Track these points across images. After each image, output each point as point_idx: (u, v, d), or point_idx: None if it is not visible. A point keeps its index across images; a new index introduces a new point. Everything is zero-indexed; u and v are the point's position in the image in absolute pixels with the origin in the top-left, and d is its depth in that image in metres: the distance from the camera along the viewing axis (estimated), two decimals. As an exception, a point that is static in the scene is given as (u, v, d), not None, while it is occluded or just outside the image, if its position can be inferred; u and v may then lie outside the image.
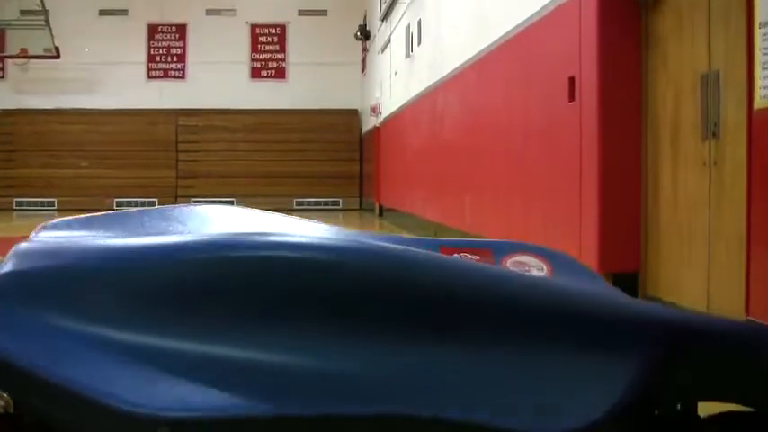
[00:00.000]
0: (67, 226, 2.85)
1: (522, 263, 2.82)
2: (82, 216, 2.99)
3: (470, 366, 2.20)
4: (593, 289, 2.64)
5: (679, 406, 2.37)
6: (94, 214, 3.06)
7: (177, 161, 23.92)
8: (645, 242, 6.16)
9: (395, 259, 2.36)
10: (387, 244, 2.65)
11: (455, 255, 2.79)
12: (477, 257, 2.80)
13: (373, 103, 20.98)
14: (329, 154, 23.95)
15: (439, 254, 2.69)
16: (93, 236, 2.73)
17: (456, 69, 11.30)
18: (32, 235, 2.70)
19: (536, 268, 2.81)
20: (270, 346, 2.19)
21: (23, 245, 2.45)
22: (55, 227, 2.81)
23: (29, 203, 23.00)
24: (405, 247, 2.61)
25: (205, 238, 2.56)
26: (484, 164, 9.70)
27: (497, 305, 2.27)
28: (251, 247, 2.34)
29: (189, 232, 2.84)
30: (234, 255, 2.30)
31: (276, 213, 3.22)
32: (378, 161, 20.24)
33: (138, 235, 2.71)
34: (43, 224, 2.83)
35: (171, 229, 2.88)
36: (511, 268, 2.77)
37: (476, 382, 2.18)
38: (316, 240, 2.56)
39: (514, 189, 8.33)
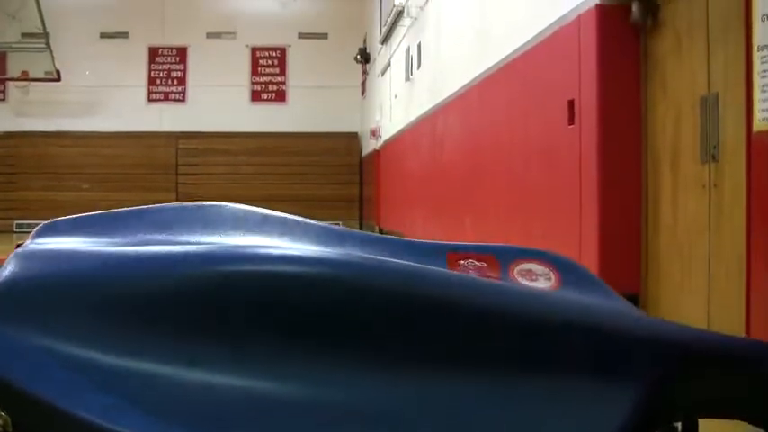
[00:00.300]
0: (70, 226, 2.80)
1: (529, 271, 2.76)
2: (85, 216, 2.93)
3: (470, 394, 2.18)
4: (595, 303, 2.60)
5: (680, 424, 2.36)
6: (99, 213, 2.98)
7: (177, 184, 23.95)
8: (645, 264, 6.14)
9: (392, 276, 2.32)
10: (385, 259, 2.58)
11: (461, 261, 2.75)
12: (484, 264, 2.75)
13: (373, 126, 21.01)
14: (329, 177, 23.99)
15: (436, 269, 2.59)
16: (93, 242, 2.66)
17: (456, 92, 11.32)
18: (33, 236, 2.68)
19: (543, 277, 2.74)
20: (253, 373, 2.14)
21: (21, 253, 2.42)
22: (56, 229, 2.77)
23: (30, 226, 22.96)
24: (405, 262, 2.56)
25: (190, 250, 2.50)
26: (484, 186, 9.70)
27: (496, 325, 2.25)
28: (233, 261, 2.30)
29: (195, 234, 2.78)
30: (215, 271, 2.26)
31: (281, 213, 3.09)
32: (378, 184, 20.24)
33: (139, 241, 2.66)
34: (46, 223, 2.77)
35: (174, 231, 2.80)
36: (517, 277, 2.72)
37: (473, 409, 2.16)
38: (306, 254, 2.49)
39: (514, 211, 8.33)
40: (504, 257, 2.81)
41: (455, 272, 2.70)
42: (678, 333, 2.36)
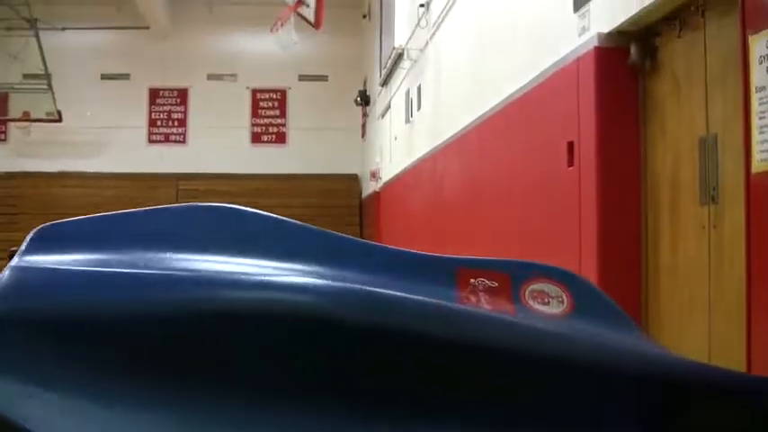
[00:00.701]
0: (67, 232, 2.69)
1: (541, 292, 2.68)
2: (83, 220, 2.76)
3: None
4: (599, 341, 2.57)
5: None
6: (98, 217, 2.82)
7: (178, 225, 23.94)
8: (644, 305, 6.12)
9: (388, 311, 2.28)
10: (384, 292, 2.49)
11: (472, 279, 2.65)
12: (496, 284, 2.65)
13: (373, 168, 21.05)
14: (330, 218, 23.96)
15: (437, 306, 2.50)
16: (88, 261, 2.53)
17: (456, 134, 11.35)
18: (27, 243, 2.60)
19: (556, 299, 2.66)
20: (235, 420, 2.12)
21: (14, 273, 2.38)
22: (52, 237, 2.66)
23: (28, 266, 22.92)
24: (405, 295, 2.48)
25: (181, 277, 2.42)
26: (484, 226, 9.69)
27: (499, 366, 2.25)
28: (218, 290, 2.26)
29: (192, 250, 2.65)
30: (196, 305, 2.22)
31: (291, 221, 2.92)
32: (378, 225, 20.25)
33: (135, 262, 2.53)
34: (41, 230, 2.65)
35: (172, 244, 2.65)
36: (529, 300, 2.65)
37: None
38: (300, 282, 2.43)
39: (514, 251, 8.31)
40: (517, 275, 2.71)
41: (457, 306, 2.60)
42: (680, 367, 2.36)
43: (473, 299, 2.58)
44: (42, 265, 2.48)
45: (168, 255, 2.59)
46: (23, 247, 2.60)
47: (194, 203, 3.03)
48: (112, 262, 2.49)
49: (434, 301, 2.43)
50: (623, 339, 2.60)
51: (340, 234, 2.84)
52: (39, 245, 2.63)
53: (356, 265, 2.63)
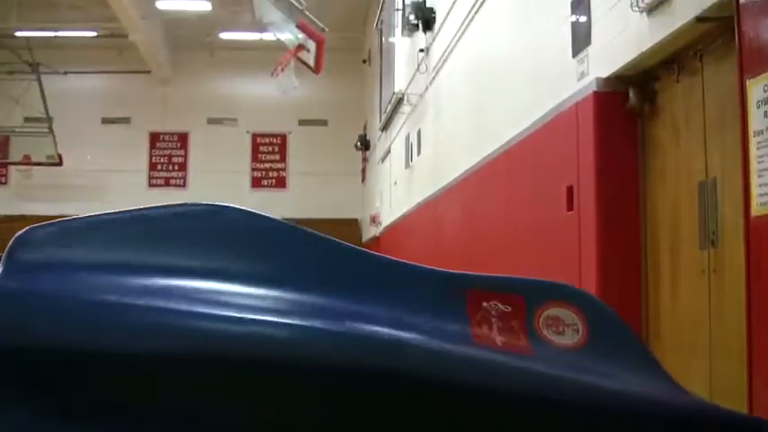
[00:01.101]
0: (54, 241, 2.45)
1: (556, 319, 2.56)
2: (71, 226, 2.55)
3: None
4: (614, 374, 2.52)
5: None
6: (88, 222, 2.61)
7: (178, 269, 23.92)
8: (645, 351, 6.08)
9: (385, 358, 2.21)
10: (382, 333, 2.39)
11: (484, 303, 2.51)
12: (509, 308, 2.52)
13: (373, 212, 21.07)
14: (329, 263, 23.95)
15: (438, 350, 2.41)
16: (78, 285, 2.32)
17: (455, 179, 11.37)
18: (7, 253, 2.36)
19: (570, 328, 2.55)
20: None
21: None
22: (37, 246, 2.40)
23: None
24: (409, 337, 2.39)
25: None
26: (484, 271, 9.65)
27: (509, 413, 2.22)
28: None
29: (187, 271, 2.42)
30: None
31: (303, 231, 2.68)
32: (377, 270, 20.19)
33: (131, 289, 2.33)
34: (23, 236, 2.39)
35: (168, 255, 2.45)
36: (543, 328, 2.54)
37: None
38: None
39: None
40: (532, 298, 2.56)
41: (461, 352, 2.46)
42: (682, 405, 2.34)
43: (485, 328, 2.47)
44: (11, 287, 2.27)
45: (149, 261, 2.42)
46: (4, 256, 2.37)
47: (186, 208, 2.76)
48: (92, 275, 2.34)
49: (435, 345, 2.36)
50: (633, 379, 2.55)
51: (347, 244, 2.66)
52: (20, 253, 2.37)
53: (361, 282, 2.51)
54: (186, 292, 2.28)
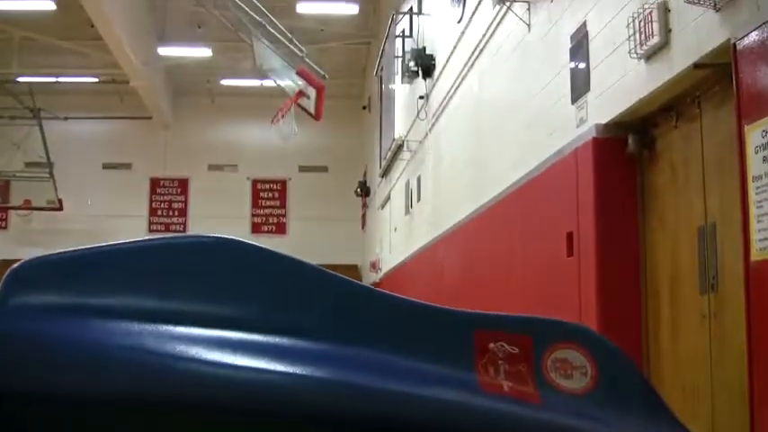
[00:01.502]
0: (48, 281, 2.37)
1: (564, 361, 2.47)
2: (64, 264, 2.46)
3: None
4: (616, 422, 2.44)
5: None
6: (82, 258, 2.50)
7: (177, 314, 23.87)
8: (646, 396, 6.05)
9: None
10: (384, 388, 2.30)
11: (491, 344, 2.43)
12: (516, 350, 2.43)
13: (373, 258, 21.06)
14: (329, 309, 23.90)
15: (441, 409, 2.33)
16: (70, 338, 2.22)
17: (455, 225, 11.38)
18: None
19: (579, 371, 2.47)
20: None
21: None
22: (30, 286, 2.31)
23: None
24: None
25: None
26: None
27: None
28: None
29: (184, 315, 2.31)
30: None
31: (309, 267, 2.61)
32: (376, 316, 20.15)
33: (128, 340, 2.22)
34: (16, 273, 2.29)
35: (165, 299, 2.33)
36: (551, 372, 2.46)
37: None
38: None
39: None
40: (540, 339, 2.48)
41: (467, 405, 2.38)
42: None
43: (491, 371, 2.40)
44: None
45: (142, 305, 2.30)
46: None
47: (181, 241, 2.60)
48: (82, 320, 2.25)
49: (441, 393, 2.30)
50: (641, 426, 2.49)
51: (350, 280, 2.55)
52: (14, 290, 2.28)
53: (365, 321, 2.42)
54: (187, 338, 2.22)
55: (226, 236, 2.43)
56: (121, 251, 2.50)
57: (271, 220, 25.50)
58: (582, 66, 6.66)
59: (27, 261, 2.37)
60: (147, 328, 2.21)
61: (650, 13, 5.43)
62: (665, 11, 5.34)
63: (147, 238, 2.49)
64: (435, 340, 2.42)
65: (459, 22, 11.57)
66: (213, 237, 2.46)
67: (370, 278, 21.67)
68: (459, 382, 2.35)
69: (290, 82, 14.03)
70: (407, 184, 16.15)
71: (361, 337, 2.36)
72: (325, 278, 2.53)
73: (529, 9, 8.25)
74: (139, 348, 2.15)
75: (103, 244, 2.52)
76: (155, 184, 25.45)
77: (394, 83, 17.28)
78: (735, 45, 4.59)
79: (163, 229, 24.91)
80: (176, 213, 25.19)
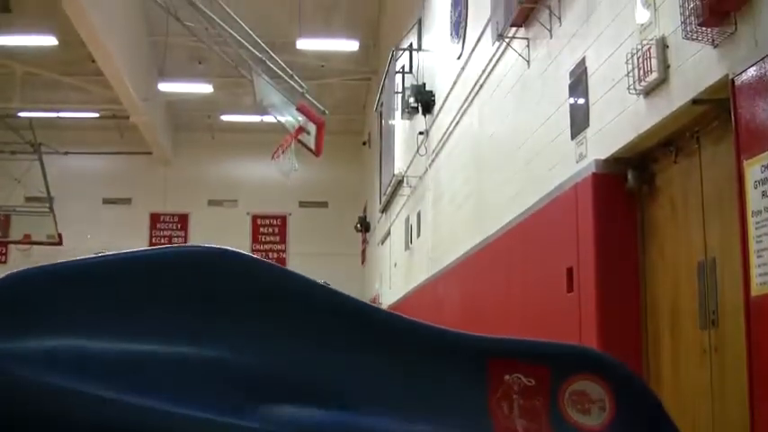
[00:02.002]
0: (39, 310, 2.16)
1: (581, 394, 2.33)
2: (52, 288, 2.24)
3: None
4: None
5: None
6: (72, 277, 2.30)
7: (175, 350, 23.79)
8: None
9: None
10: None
11: (506, 376, 2.28)
12: (532, 381, 2.28)
13: (373, 293, 21.02)
14: (328, 345, 23.82)
15: None
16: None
17: (455, 261, 11.37)
18: None
19: (597, 405, 2.33)
20: None
21: None
22: (20, 318, 2.13)
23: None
24: None
25: None
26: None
27: None
28: None
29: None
30: None
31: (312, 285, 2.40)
32: (376, 352, 20.09)
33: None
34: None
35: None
36: (567, 407, 2.33)
37: None
38: None
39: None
40: (558, 370, 2.32)
41: None
42: None
43: (505, 407, 2.26)
44: None
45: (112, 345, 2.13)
46: None
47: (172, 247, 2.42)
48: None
49: None
50: None
51: (360, 301, 2.45)
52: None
53: (377, 347, 2.28)
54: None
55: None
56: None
57: (271, 256, 25.47)
58: (581, 101, 6.69)
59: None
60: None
61: (649, 49, 5.46)
62: (663, 47, 5.37)
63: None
64: (448, 367, 2.30)
65: (458, 58, 11.63)
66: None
67: (369, 314, 21.63)
68: (471, 424, 2.26)
69: (290, 118, 14.07)
70: (407, 219, 16.16)
71: (366, 367, 2.26)
72: (347, 301, 2.41)
73: (528, 45, 8.29)
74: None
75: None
76: (155, 219, 25.47)
77: (394, 119, 17.35)
78: (733, 81, 4.61)
79: (162, 264, 24.91)
80: (176, 248, 25.20)
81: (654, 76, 5.42)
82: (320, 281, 2.39)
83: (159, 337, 2.14)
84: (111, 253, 2.45)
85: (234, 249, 2.33)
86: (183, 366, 2.10)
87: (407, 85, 15.25)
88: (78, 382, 2.02)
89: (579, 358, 2.41)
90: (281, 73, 14.18)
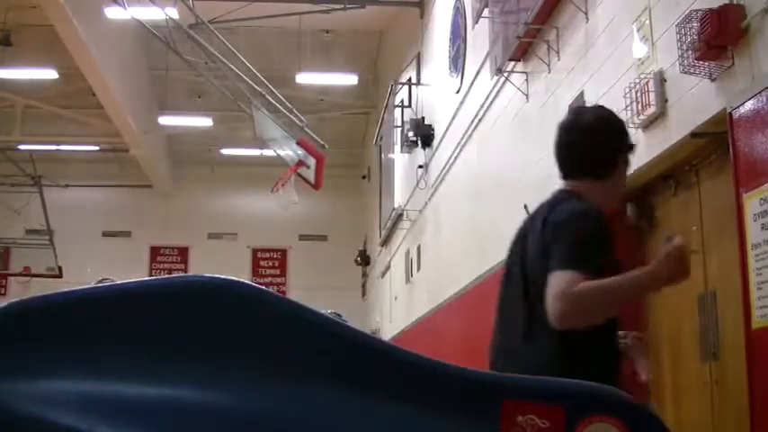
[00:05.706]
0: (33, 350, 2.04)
1: None
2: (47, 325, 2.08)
3: None
4: None
5: None
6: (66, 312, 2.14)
7: (175, 384, 23.71)
8: (648, 467, 6.00)
9: None
10: None
11: (519, 417, 2.17)
12: (547, 423, 2.17)
13: (374, 327, 20.97)
14: (328, 378, 23.72)
15: None
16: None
17: (455, 294, 11.36)
18: None
19: None
20: None
21: None
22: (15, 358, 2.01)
23: None
24: None
25: None
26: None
27: None
28: None
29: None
30: None
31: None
32: (376, 385, 20.03)
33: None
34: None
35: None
36: None
37: None
38: None
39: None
40: (573, 410, 2.19)
41: None
42: None
43: None
44: None
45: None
46: None
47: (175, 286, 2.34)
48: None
49: None
50: None
51: (365, 335, 2.38)
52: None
53: (378, 383, 2.24)
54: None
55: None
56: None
57: (271, 289, 25.47)
58: (580, 135, 6.70)
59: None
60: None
61: (647, 83, 5.50)
62: (661, 81, 5.41)
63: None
64: (457, 409, 2.22)
65: (457, 92, 11.69)
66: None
67: (369, 347, 21.59)
68: None
69: (290, 151, 14.12)
70: (407, 253, 16.16)
71: (370, 406, 2.20)
72: (352, 336, 2.34)
73: (527, 80, 8.34)
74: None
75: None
76: (154, 252, 25.45)
77: (393, 152, 17.40)
78: (731, 114, 4.64)
79: (162, 297, 24.88)
80: (176, 282, 25.17)
81: (652, 109, 5.45)
82: (328, 311, 2.31)
83: (165, 376, 2.10)
84: (116, 282, 2.36)
85: (239, 280, 2.29)
86: (192, 410, 2.07)
87: (407, 119, 15.32)
88: (77, 420, 1.96)
89: (596, 399, 2.28)
90: (280, 107, 14.24)
